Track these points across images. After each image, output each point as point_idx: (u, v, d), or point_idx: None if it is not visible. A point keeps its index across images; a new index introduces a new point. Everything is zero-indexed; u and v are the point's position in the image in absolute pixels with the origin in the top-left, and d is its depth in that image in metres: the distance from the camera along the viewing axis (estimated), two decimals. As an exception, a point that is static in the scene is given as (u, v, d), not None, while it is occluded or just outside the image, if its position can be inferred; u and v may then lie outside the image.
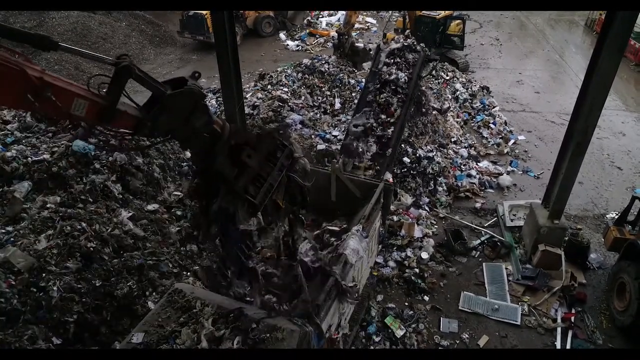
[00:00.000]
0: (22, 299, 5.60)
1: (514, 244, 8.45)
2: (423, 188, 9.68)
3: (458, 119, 12.51)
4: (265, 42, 19.19)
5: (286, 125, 10.51)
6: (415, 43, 10.16)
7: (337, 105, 12.41)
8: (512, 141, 11.99)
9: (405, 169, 9.71)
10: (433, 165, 9.96)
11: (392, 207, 8.45)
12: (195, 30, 17.56)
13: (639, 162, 11.40)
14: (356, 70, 13.81)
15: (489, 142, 11.91)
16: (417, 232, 8.59)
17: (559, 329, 6.94)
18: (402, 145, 9.79)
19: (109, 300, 6.08)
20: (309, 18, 21.51)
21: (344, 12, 16.50)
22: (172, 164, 9.08)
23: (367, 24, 21.25)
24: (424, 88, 11.35)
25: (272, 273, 5.20)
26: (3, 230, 6.34)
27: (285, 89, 12.69)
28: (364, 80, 11.38)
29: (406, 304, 7.38)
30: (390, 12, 19.20)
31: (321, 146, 10.33)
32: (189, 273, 6.98)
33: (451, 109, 12.40)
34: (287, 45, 19.02)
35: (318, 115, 12.07)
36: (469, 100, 13.55)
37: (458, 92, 13.67)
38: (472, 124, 12.67)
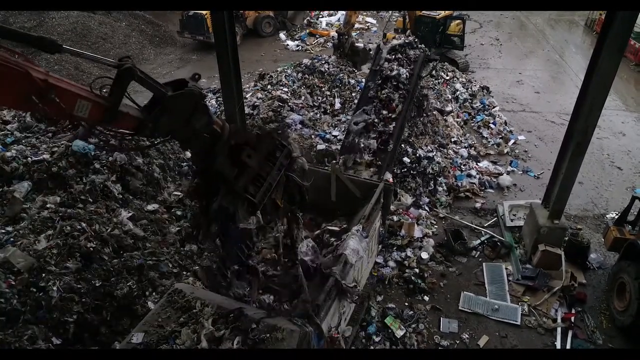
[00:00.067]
0: (22, 299, 5.60)
1: (514, 244, 8.45)
2: (423, 188, 9.67)
3: (458, 119, 12.50)
4: (265, 42, 19.19)
5: (285, 126, 10.52)
6: (417, 41, 10.20)
7: (337, 105, 12.41)
8: (512, 141, 11.99)
9: (405, 169, 9.71)
10: (433, 165, 9.96)
11: (392, 207, 8.44)
12: (195, 30, 17.55)
13: (639, 162, 11.40)
14: (356, 70, 13.80)
15: (489, 142, 11.91)
16: (417, 232, 8.58)
17: (559, 329, 6.94)
18: (402, 145, 9.79)
19: (109, 300, 6.07)
20: (309, 18, 21.51)
21: (344, 12, 16.49)
22: (172, 164, 9.08)
23: (367, 24, 21.25)
24: (426, 92, 11.38)
25: (273, 274, 5.22)
26: (3, 230, 6.34)
27: (285, 89, 12.69)
28: (363, 80, 11.38)
29: (406, 304, 7.38)
30: (390, 12, 19.20)
31: (321, 146, 10.33)
32: (189, 273, 6.98)
33: (453, 112, 12.41)
34: (287, 45, 19.02)
35: (318, 115, 12.07)
36: (469, 100, 13.55)
37: (458, 92, 13.66)
38: (472, 124, 12.67)
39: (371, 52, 12.57)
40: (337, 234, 6.26)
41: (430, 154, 10.17)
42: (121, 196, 7.63)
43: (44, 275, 5.89)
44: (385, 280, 7.68)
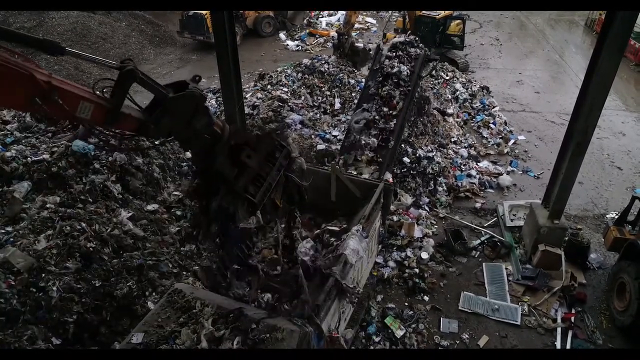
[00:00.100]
0: (21, 299, 5.60)
1: (514, 244, 8.44)
2: (423, 188, 9.67)
3: (458, 119, 12.51)
4: (265, 42, 19.18)
5: (284, 126, 10.53)
6: (417, 40, 10.22)
7: (337, 105, 12.40)
8: (512, 141, 11.99)
9: (405, 169, 9.70)
10: (433, 165, 9.96)
11: (392, 207, 8.44)
12: (195, 30, 17.55)
13: (639, 162, 11.40)
14: (356, 70, 13.80)
15: (489, 142, 11.91)
16: (417, 232, 8.58)
17: (559, 329, 6.93)
18: (402, 145, 9.80)
19: (109, 300, 6.07)
20: (309, 18, 21.51)
21: (344, 12, 16.49)
22: (172, 164, 9.07)
23: (367, 24, 21.25)
24: (428, 95, 11.39)
25: (273, 273, 5.22)
26: (3, 231, 6.34)
27: (285, 89, 12.68)
28: (363, 80, 11.38)
29: (406, 304, 7.37)
30: (390, 12, 19.20)
31: (321, 146, 10.33)
32: (188, 273, 6.98)
33: (454, 115, 12.41)
34: (287, 45, 19.02)
35: (318, 115, 12.06)
36: (469, 100, 13.56)
37: (458, 92, 13.66)
38: (472, 124, 12.67)
39: (371, 52, 12.57)
40: (337, 234, 6.25)
41: (430, 154, 10.17)
42: (121, 196, 7.63)
43: (43, 275, 5.88)
44: (385, 281, 7.68)
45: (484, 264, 8.16)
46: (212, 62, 9.45)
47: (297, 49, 18.71)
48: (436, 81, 13.71)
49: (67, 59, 14.35)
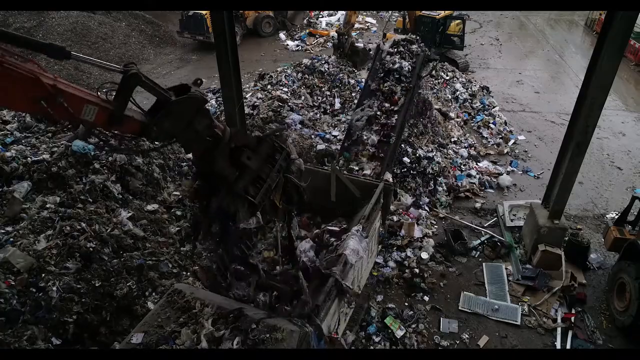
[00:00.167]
0: (21, 299, 5.61)
1: (514, 244, 8.44)
2: (423, 188, 9.67)
3: (458, 119, 12.50)
4: (265, 42, 19.19)
5: (283, 127, 10.54)
6: (418, 39, 10.25)
7: (337, 105, 12.41)
8: (512, 141, 12.00)
9: (405, 169, 9.70)
10: (433, 165, 9.95)
11: (392, 207, 8.44)
12: (195, 30, 17.55)
13: (639, 162, 11.40)
14: (356, 70, 13.81)
15: (489, 142, 11.91)
16: (417, 232, 8.57)
17: (559, 329, 6.93)
18: (402, 145, 9.80)
19: (109, 300, 6.08)
20: (309, 18, 21.51)
21: (343, 12, 16.49)
22: (172, 164, 9.08)
23: (367, 24, 21.25)
24: (429, 98, 11.39)
25: (273, 272, 5.22)
26: (3, 231, 6.34)
27: (285, 89, 12.69)
28: (363, 80, 11.38)
29: (406, 304, 7.37)
30: (390, 12, 19.20)
31: (321, 146, 10.33)
32: (188, 273, 6.98)
33: (454, 117, 12.41)
34: (287, 45, 19.02)
35: (318, 115, 12.07)
36: (469, 100, 13.55)
37: (458, 92, 13.66)
38: (472, 124, 12.66)
39: (371, 52, 12.57)
40: (336, 234, 6.25)
41: (430, 154, 10.17)
42: (121, 196, 7.63)
43: (43, 275, 5.89)
44: (385, 281, 7.68)
45: (484, 264, 8.16)
46: (212, 62, 9.44)
47: (297, 49, 18.71)
48: (436, 81, 13.72)
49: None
